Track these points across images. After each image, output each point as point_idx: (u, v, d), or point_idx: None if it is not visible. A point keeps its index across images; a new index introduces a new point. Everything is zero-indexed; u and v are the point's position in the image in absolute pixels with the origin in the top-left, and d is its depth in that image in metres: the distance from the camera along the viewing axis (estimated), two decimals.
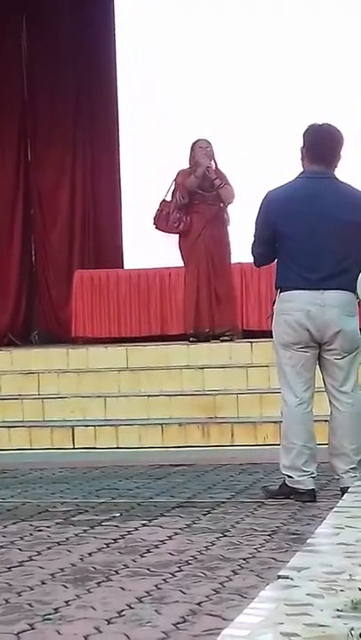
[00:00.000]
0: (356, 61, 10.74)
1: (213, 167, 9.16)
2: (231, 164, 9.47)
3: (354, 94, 10.63)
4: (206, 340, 9.05)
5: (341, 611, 2.63)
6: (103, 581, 3.59)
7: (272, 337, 5.29)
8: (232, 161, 9.62)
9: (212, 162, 9.20)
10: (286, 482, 5.17)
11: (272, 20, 11.07)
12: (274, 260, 5.33)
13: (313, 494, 5.12)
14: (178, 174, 9.22)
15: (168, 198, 9.21)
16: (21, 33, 11.79)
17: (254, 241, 5.28)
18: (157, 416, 8.12)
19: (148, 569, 3.76)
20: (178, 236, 9.21)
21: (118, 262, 11.56)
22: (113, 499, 5.45)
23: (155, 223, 9.25)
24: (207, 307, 9.19)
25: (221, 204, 9.14)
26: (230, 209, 9.20)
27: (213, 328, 9.15)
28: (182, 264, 9.34)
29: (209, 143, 9.20)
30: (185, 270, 9.34)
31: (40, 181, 11.79)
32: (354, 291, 4.97)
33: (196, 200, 9.14)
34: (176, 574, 3.66)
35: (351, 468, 5.12)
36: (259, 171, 10.10)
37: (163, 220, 9.19)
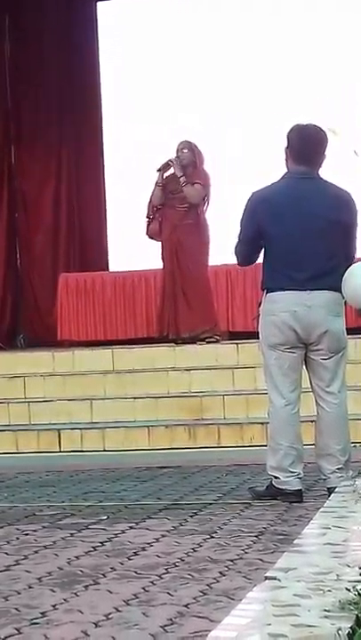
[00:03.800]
0: (351, 61, 10.68)
1: (176, 163, 8.89)
2: (219, 165, 9.43)
3: (348, 93, 10.60)
4: (192, 341, 9.03)
5: (329, 611, 2.63)
6: (90, 585, 3.58)
7: (258, 338, 5.28)
8: (220, 161, 9.58)
9: (181, 159, 8.91)
10: (273, 483, 5.17)
11: (268, 19, 11.00)
12: (257, 260, 5.33)
13: (300, 495, 5.12)
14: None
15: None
16: (4, 36, 11.73)
17: (238, 241, 5.28)
18: (144, 418, 8.12)
19: (136, 571, 3.75)
20: None
21: (103, 265, 11.55)
22: (100, 502, 5.43)
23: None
24: (172, 311, 9.12)
25: (198, 207, 8.93)
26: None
27: (178, 332, 9.08)
28: None
29: (186, 144, 8.99)
30: None
31: (24, 185, 11.76)
32: (340, 291, 4.97)
33: (167, 204, 9.04)
34: (163, 576, 3.65)
35: (338, 469, 5.12)
36: (245, 171, 10.09)
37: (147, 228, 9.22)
